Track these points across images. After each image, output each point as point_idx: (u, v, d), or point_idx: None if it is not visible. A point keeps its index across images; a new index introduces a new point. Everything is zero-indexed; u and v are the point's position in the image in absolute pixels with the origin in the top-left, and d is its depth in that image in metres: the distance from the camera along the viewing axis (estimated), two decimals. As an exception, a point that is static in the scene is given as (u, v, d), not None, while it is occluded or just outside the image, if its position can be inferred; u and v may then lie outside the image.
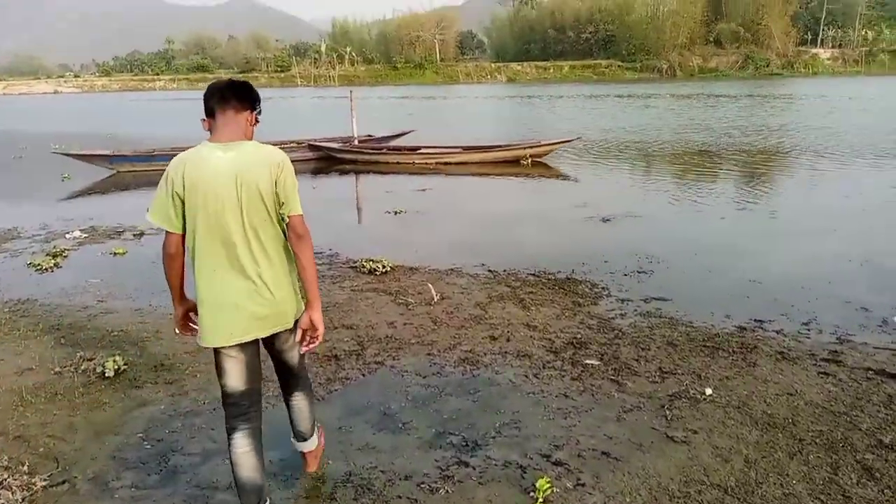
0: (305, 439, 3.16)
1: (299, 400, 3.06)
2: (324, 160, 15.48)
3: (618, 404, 3.86)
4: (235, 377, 2.72)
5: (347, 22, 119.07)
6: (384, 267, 6.60)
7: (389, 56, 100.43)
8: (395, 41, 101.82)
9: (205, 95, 2.68)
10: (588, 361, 4.42)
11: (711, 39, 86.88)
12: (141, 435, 3.73)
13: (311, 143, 15.77)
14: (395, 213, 9.57)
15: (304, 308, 2.81)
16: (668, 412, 3.74)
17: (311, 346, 2.86)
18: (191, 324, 2.86)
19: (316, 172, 14.34)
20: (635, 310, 5.41)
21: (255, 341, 2.74)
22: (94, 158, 14.84)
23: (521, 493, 3.08)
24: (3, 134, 26.25)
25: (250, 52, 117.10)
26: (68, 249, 8.00)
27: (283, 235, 2.71)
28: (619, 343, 4.72)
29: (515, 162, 14.35)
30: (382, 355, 4.66)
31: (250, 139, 2.70)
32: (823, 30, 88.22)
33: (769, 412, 3.71)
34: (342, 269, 6.80)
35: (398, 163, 14.77)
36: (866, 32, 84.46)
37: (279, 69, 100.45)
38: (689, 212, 9.17)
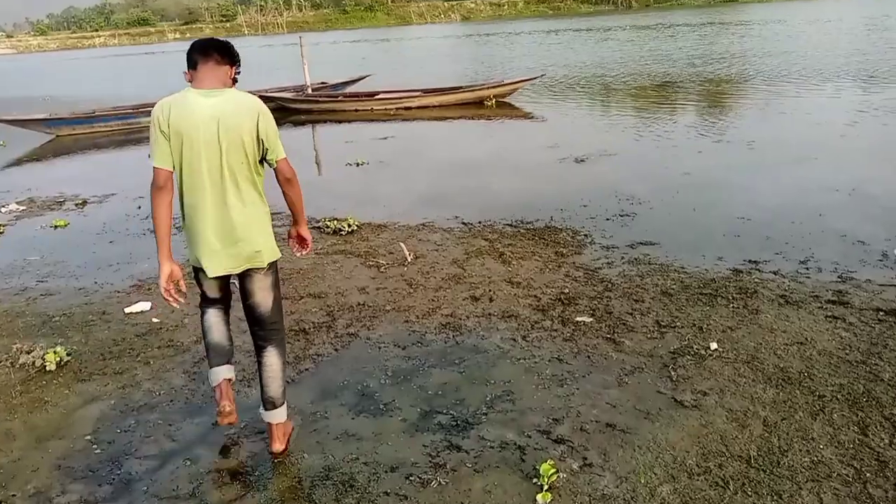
0: (274, 407, 3.02)
1: (271, 356, 3.03)
2: (277, 112, 14.67)
3: (617, 366, 3.54)
4: (211, 289, 3.06)
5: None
6: (350, 226, 6.13)
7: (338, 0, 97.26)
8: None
9: (188, 50, 2.83)
10: (579, 319, 4.08)
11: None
12: (89, 437, 3.29)
13: (262, 94, 14.93)
14: (358, 164, 9.04)
15: (277, 255, 2.99)
16: (672, 372, 3.43)
17: (304, 251, 3.21)
18: (176, 294, 2.93)
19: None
20: (622, 257, 5.07)
21: (227, 278, 3.00)
22: (30, 123, 13.86)
23: (524, 479, 2.74)
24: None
25: (193, 2, 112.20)
26: (3, 225, 7.35)
27: (258, 178, 2.88)
28: (610, 296, 4.38)
29: (479, 103, 13.80)
30: (356, 325, 4.25)
31: (230, 86, 2.85)
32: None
33: (782, 366, 3.42)
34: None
35: (356, 110, 14.11)
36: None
37: (224, 18, 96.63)
38: (664, 147, 8.80)
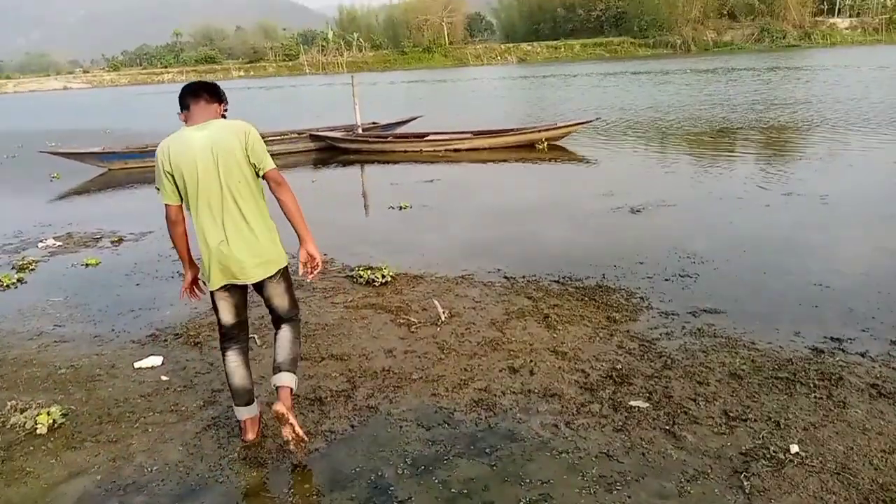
0: (279, 371, 3.29)
1: (284, 330, 3.40)
2: (326, 150, 14.60)
3: (677, 469, 2.97)
4: (226, 313, 3.30)
5: (354, 8, 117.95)
6: (384, 276, 5.71)
7: (397, 41, 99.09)
8: (403, 25, 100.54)
9: (180, 94, 3.17)
10: (633, 403, 3.53)
11: (725, 13, 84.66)
12: (64, 522, 2.90)
13: (313, 132, 14.89)
14: (400, 208, 8.68)
15: (285, 262, 3.32)
16: (745, 481, 2.85)
17: (314, 274, 3.33)
18: (197, 290, 3.43)
19: (317, 164, 13.48)
20: (683, 327, 4.50)
21: (243, 287, 3.28)
22: (84, 157, 14.06)
23: None
24: (4, 133, 25.55)
25: (258, 41, 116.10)
26: (38, 261, 7.20)
27: (258, 194, 3.19)
28: (670, 375, 3.81)
29: (530, 146, 13.39)
30: (377, 396, 3.79)
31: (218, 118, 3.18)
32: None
33: (881, 481, 2.80)
34: (336, 280, 5.92)
35: (405, 151, 13.85)
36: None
37: (287, 58, 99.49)
38: (728, 199, 8.17)
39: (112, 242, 7.89)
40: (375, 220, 8.35)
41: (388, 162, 13.19)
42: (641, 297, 5.09)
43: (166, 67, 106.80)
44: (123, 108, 39.09)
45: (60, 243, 7.96)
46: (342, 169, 12.85)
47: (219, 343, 3.45)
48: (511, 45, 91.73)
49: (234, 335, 3.38)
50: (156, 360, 4.44)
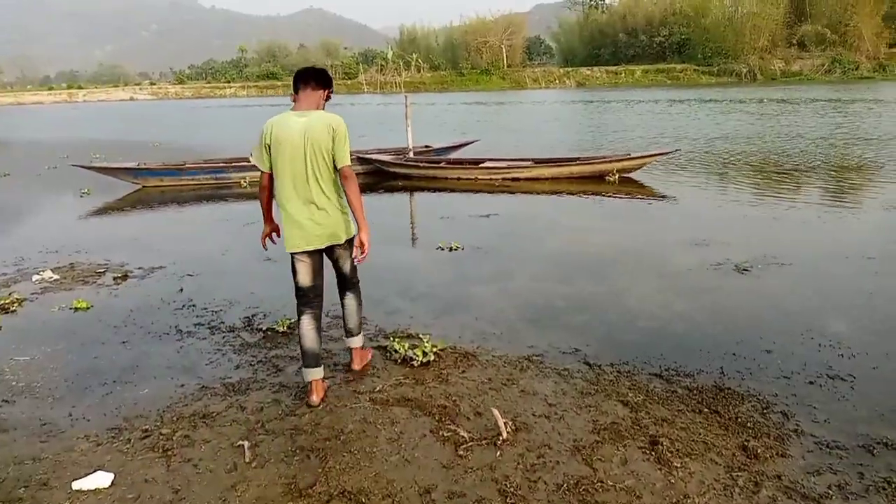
0: (353, 335, 4.17)
1: (349, 300, 4.13)
2: (374, 175, 13.42)
3: None
4: (304, 275, 3.86)
5: (415, 29, 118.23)
6: (426, 353, 4.37)
7: (456, 62, 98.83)
8: (462, 47, 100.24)
9: (294, 77, 3.81)
10: None
11: (794, 42, 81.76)
12: None
13: (361, 154, 13.76)
14: (451, 249, 7.37)
15: (353, 231, 3.90)
16: None
17: (362, 258, 3.84)
18: (270, 240, 4.07)
19: (363, 189, 12.30)
20: (861, 474, 3.02)
21: (319, 252, 3.88)
22: (118, 172, 13.20)
23: None
24: (57, 142, 25.33)
25: (320, 59, 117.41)
26: (24, 299, 6.11)
27: (336, 177, 3.80)
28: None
29: (599, 178, 11.96)
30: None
31: (322, 109, 3.79)
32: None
33: None
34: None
35: (458, 178, 12.57)
36: (970, 29, 77.81)
37: (346, 76, 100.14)
38: (854, 257, 6.59)
39: (115, 279, 6.77)
40: (420, 265, 7.00)
41: (439, 189, 11.93)
42: (784, 413, 3.62)
43: (229, 82, 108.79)
44: (182, 120, 39.01)
45: (58, 277, 6.87)
46: (389, 196, 11.63)
47: (296, 308, 3.92)
48: (570, 69, 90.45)
49: (309, 299, 3.89)
50: (103, 480, 3.18)
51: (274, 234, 4.03)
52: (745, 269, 6.24)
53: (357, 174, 13.42)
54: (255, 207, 11.50)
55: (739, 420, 3.54)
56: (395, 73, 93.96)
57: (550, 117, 29.86)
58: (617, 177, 11.82)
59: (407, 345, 4.48)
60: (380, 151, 14.27)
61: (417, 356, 4.33)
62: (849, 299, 5.41)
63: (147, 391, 4.17)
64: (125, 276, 6.85)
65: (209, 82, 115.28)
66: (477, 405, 3.76)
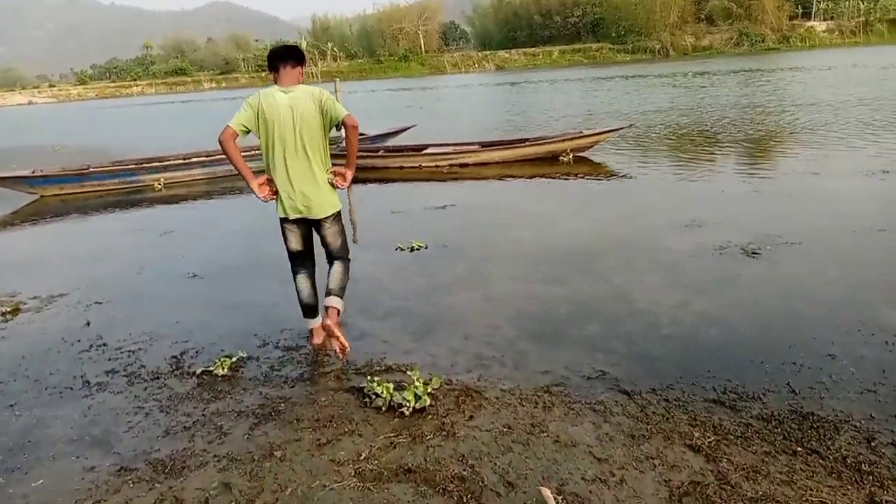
0: (330, 294, 4.03)
1: (336, 266, 4.14)
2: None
3: None
4: (293, 242, 4.12)
5: (327, 18, 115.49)
6: (418, 394, 3.36)
7: (372, 50, 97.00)
8: (378, 35, 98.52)
9: (269, 56, 3.97)
10: None
11: (703, 17, 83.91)
12: None
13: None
14: (412, 249, 6.36)
15: (339, 206, 4.10)
16: None
17: (340, 184, 4.03)
18: (269, 191, 3.98)
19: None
20: None
21: (306, 222, 4.07)
22: (8, 182, 11.50)
23: None
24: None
25: (230, 53, 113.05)
26: None
27: (325, 150, 3.99)
28: None
29: (552, 159, 11.15)
30: None
31: (300, 83, 3.95)
32: (816, 2, 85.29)
33: None
34: (334, 399, 3.57)
35: (401, 167, 11.52)
36: (858, 2, 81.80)
37: (259, 68, 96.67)
38: (865, 231, 5.95)
39: (3, 314, 5.45)
40: (381, 272, 5.92)
41: (381, 180, 10.86)
42: (892, 442, 2.81)
43: (135, 80, 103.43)
44: (86, 122, 36.17)
45: (-74, 317, 5.50)
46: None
47: (291, 270, 4.24)
48: (488, 52, 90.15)
49: (300, 261, 4.21)
50: None
51: (266, 186, 3.98)
52: (754, 253, 5.48)
53: None
54: (173, 213, 10.30)
55: (847, 460, 2.70)
56: (310, 64, 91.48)
57: (479, 100, 29.07)
58: (571, 156, 11.04)
59: (391, 385, 3.46)
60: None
61: (408, 401, 3.31)
62: (886, 282, 4.71)
63: (42, 482, 3.02)
64: (16, 310, 5.53)
65: (114, 82, 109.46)
66: (504, 470, 2.78)
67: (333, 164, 4.08)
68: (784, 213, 6.81)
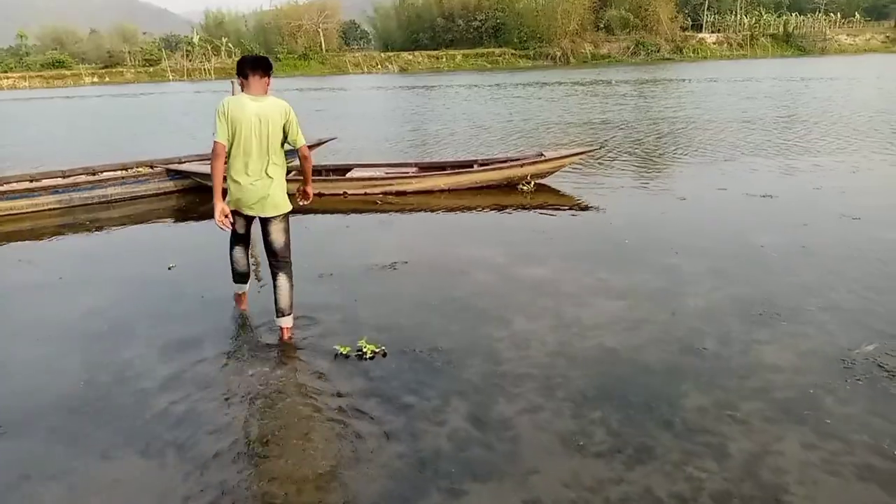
0: (284, 315, 4.48)
1: (282, 281, 4.45)
2: (192, 192, 9.60)
3: None
4: (239, 226, 4.51)
5: (221, 13, 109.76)
6: None
7: (269, 47, 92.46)
8: (275, 32, 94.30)
9: (239, 63, 4.28)
10: None
11: (602, 26, 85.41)
12: None
13: (171, 165, 9.84)
14: (361, 355, 4.07)
15: (289, 207, 4.45)
16: None
17: (303, 201, 4.71)
18: (227, 221, 4.25)
19: (179, 217, 8.54)
20: None
21: (252, 218, 4.47)
22: None
23: None
24: None
25: (115, 45, 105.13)
26: None
27: (283, 157, 4.37)
28: None
29: (508, 187, 9.09)
30: None
31: (266, 93, 4.29)
32: (706, 15, 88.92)
33: None
34: None
35: (320, 195, 9.10)
36: (743, 17, 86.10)
37: (147, 63, 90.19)
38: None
39: None
40: (316, 413, 3.57)
41: (293, 212, 8.42)
42: None
43: (6, 73, 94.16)
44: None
45: None
46: (217, 232, 7.93)
47: (231, 240, 4.66)
48: (391, 53, 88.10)
49: (240, 239, 4.65)
50: None
51: (225, 216, 4.22)
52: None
53: (169, 192, 9.60)
54: (14, 249, 7.49)
55: None
56: (203, 59, 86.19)
57: (396, 105, 26.67)
58: (532, 184, 9.02)
59: None
60: (200, 159, 10.36)
61: None
62: None
63: None
64: None
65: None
66: None
67: (288, 181, 4.49)
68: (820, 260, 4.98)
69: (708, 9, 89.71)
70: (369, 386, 3.76)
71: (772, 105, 19.13)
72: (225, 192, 4.27)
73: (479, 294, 5.16)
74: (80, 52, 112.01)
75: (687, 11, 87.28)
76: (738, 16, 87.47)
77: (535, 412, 3.42)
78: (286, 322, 4.45)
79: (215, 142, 4.11)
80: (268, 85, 4.27)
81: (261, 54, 4.28)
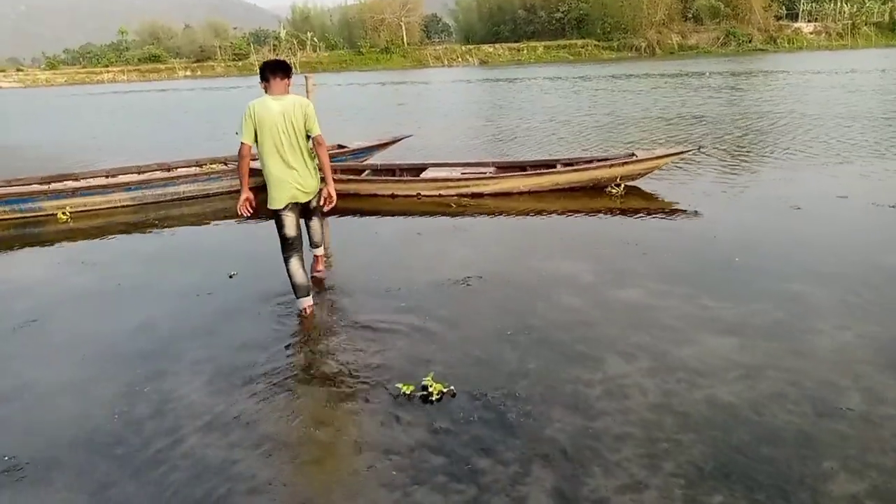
0: (317, 246, 5.52)
1: (314, 222, 5.34)
2: (264, 189, 9.31)
3: None
4: (289, 227, 4.78)
5: (307, 7, 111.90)
6: None
7: (353, 41, 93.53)
8: (359, 25, 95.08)
9: (261, 68, 4.76)
10: None
11: (690, 16, 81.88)
12: None
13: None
14: (427, 397, 3.51)
15: (320, 186, 4.97)
16: None
17: (329, 205, 4.93)
18: (249, 207, 4.72)
19: (250, 216, 8.24)
20: None
21: (297, 205, 4.83)
22: None
23: None
24: None
25: (207, 40, 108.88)
26: None
27: (308, 147, 4.77)
28: None
29: (594, 188, 8.35)
30: None
31: (287, 93, 4.73)
32: (802, 3, 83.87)
33: None
34: None
35: (393, 196, 8.63)
36: (843, 5, 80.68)
37: (237, 57, 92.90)
38: None
39: None
40: (366, 473, 3.06)
41: (365, 213, 7.98)
42: None
43: (107, 67, 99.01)
44: (28, 112, 32.59)
45: None
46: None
47: (282, 253, 4.80)
48: (472, 46, 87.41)
49: (294, 245, 4.78)
50: None
51: (248, 204, 4.70)
52: None
53: (236, 190, 9.45)
54: (61, 272, 6.70)
55: None
56: (289, 54, 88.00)
57: (481, 98, 26.02)
58: (622, 187, 8.24)
59: None
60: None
61: None
62: None
63: None
64: None
65: (84, 67, 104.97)
66: None
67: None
68: None
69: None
70: (434, 441, 3.19)
71: (883, 100, 17.41)
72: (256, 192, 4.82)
73: (562, 323, 4.49)
74: (174, 47, 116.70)
75: (782, 0, 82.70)
76: (839, 4, 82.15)
77: (639, 491, 2.75)
78: (319, 251, 5.53)
79: (242, 143, 4.55)
80: (288, 86, 4.72)
81: (281, 59, 5.17)
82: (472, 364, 3.90)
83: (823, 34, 78.38)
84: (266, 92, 4.68)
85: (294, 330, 4.64)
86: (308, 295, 4.81)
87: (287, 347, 4.35)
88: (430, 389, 3.55)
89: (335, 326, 4.66)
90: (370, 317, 4.73)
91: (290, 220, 4.73)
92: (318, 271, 5.52)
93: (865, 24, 78.07)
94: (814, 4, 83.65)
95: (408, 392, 3.58)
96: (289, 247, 4.76)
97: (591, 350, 4.02)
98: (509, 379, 3.70)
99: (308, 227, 5.25)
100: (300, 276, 4.77)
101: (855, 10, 79.79)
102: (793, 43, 76.27)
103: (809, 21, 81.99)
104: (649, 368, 3.77)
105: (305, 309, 4.78)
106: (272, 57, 79.76)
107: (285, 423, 3.44)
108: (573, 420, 3.28)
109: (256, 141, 4.58)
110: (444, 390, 3.56)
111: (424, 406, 3.48)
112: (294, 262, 4.76)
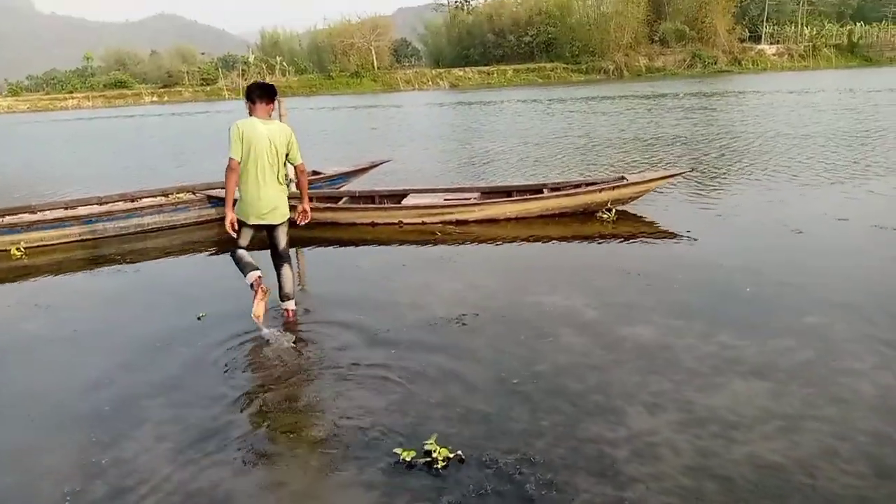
0: (289, 299, 5.21)
1: (284, 269, 5.17)
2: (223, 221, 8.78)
3: None
4: (244, 240, 5.00)
5: (277, 32, 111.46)
6: None
7: (323, 65, 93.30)
8: (328, 50, 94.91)
9: (248, 91, 4.96)
10: None
11: (657, 39, 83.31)
12: None
13: (211, 192, 9.03)
14: (430, 462, 3.06)
15: (289, 214, 5.09)
16: None
17: (303, 221, 5.23)
18: (234, 229, 4.83)
19: (220, 248, 7.69)
20: None
21: (263, 228, 5.01)
22: None
23: None
24: None
25: (175, 66, 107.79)
26: None
27: (283, 170, 4.97)
28: None
29: (584, 214, 8.00)
30: None
31: (270, 117, 4.97)
32: (765, 26, 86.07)
33: None
34: None
35: (373, 224, 8.18)
36: (803, 28, 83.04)
37: (204, 82, 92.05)
38: None
39: None
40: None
41: (344, 243, 7.52)
42: None
43: (71, 93, 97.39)
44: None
45: None
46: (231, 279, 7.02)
47: (233, 248, 4.99)
48: (442, 70, 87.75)
49: (243, 248, 4.98)
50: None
51: (233, 226, 4.80)
52: None
53: (211, 221, 9.05)
54: (11, 316, 6.76)
55: None
56: (257, 78, 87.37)
57: (453, 121, 25.72)
58: (613, 212, 7.90)
59: None
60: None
61: None
62: None
63: None
64: None
65: (48, 94, 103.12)
66: None
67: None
68: None
69: (767, 20, 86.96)
70: (441, 519, 2.72)
71: (854, 119, 17.50)
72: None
73: (571, 368, 4.06)
74: (141, 73, 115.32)
75: (745, 23, 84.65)
76: (799, 27, 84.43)
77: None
78: (290, 305, 5.21)
79: (231, 158, 4.71)
80: (271, 110, 4.96)
81: (267, 82, 5.16)
82: (478, 421, 3.44)
83: (786, 55, 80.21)
84: (251, 113, 4.86)
85: (272, 380, 4.14)
86: (257, 269, 4.84)
87: (264, 404, 3.85)
88: (435, 455, 3.09)
89: (318, 376, 4.17)
90: (358, 364, 4.25)
91: (247, 232, 4.97)
92: (288, 321, 5.15)
93: (825, 46, 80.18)
94: (776, 27, 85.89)
95: (408, 458, 3.11)
96: (239, 247, 4.98)
97: (610, 401, 3.59)
98: (523, 440, 3.25)
99: (279, 274, 5.15)
100: (248, 257, 4.92)
101: (815, 32, 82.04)
102: (757, 64, 77.90)
103: (772, 43, 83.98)
104: (678, 422, 3.35)
105: (255, 282, 4.79)
106: (240, 81, 78.79)
107: (266, 500, 2.94)
108: (602, 489, 2.84)
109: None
110: (451, 456, 3.10)
111: (429, 475, 3.01)
112: (243, 251, 4.95)
